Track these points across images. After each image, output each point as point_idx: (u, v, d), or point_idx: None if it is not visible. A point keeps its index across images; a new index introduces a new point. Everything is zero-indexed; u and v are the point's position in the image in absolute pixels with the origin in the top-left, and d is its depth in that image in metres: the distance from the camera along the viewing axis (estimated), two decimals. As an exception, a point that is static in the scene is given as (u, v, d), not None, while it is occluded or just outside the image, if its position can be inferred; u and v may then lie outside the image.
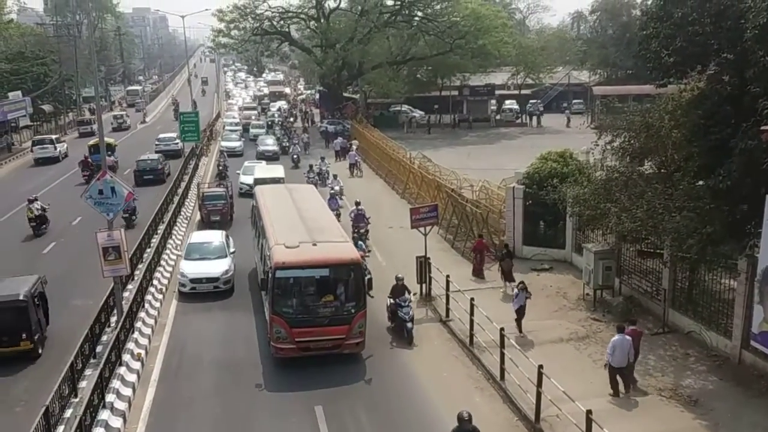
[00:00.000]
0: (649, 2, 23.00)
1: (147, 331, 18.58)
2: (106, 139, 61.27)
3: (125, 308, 17.78)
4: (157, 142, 49.55)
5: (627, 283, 20.16)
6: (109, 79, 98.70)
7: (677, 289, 18.17)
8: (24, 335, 16.89)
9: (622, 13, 68.88)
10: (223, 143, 52.20)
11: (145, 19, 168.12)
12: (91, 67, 56.42)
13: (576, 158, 24.12)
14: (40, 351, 17.35)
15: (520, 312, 18.15)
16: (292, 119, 65.71)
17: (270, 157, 44.97)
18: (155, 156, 41.90)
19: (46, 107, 64.85)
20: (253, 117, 67.36)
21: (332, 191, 30.66)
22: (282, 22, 64.57)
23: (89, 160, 40.00)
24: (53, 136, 52.48)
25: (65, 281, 22.94)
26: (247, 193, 31.65)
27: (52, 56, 65.65)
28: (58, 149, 48.84)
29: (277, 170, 34.47)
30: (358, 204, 26.98)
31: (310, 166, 37.40)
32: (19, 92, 56.39)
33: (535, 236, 24.38)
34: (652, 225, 17.06)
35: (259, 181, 29.82)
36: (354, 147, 44.31)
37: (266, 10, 62.72)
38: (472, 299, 17.51)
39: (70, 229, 29.38)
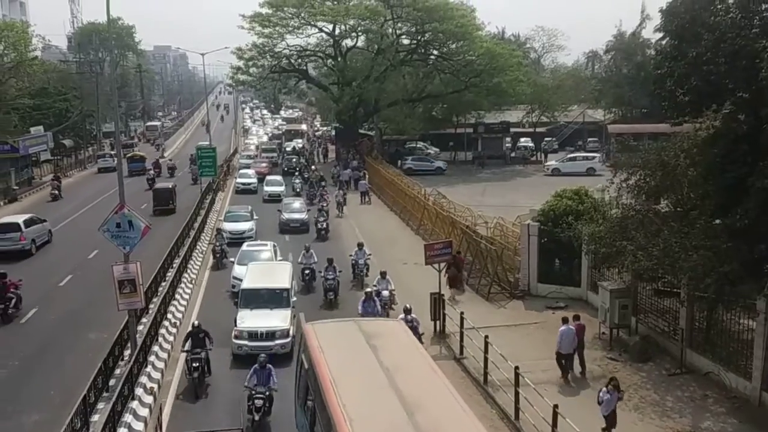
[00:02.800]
0: (664, 42, 23.24)
1: (160, 365, 18.55)
2: (136, 151, 64.91)
3: (139, 342, 17.81)
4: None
5: (644, 322, 19.93)
6: (129, 115, 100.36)
7: (695, 329, 17.95)
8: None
9: (637, 53, 69.27)
10: (238, 180, 50.72)
11: (165, 57, 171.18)
12: (112, 103, 57.49)
13: (591, 196, 24.10)
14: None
15: (611, 420, 14.62)
16: (314, 167, 57.24)
17: (297, 230, 35.03)
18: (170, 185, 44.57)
19: (67, 142, 65.86)
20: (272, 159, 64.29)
21: (369, 291, 20.63)
22: (300, 60, 65.59)
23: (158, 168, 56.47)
24: (113, 152, 59.66)
25: (81, 314, 23.11)
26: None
27: (74, 92, 66.88)
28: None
29: (280, 273, 22.06)
30: (408, 312, 18.74)
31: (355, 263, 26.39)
32: (41, 127, 57.34)
33: (550, 274, 24.22)
34: (668, 264, 16.93)
35: (248, 293, 20.44)
36: (365, 177, 48.42)
37: (284, 49, 63.76)
38: (486, 337, 17.37)
39: (86, 263, 29.60)
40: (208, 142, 53.26)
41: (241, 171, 53.71)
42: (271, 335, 19.22)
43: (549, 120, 70.02)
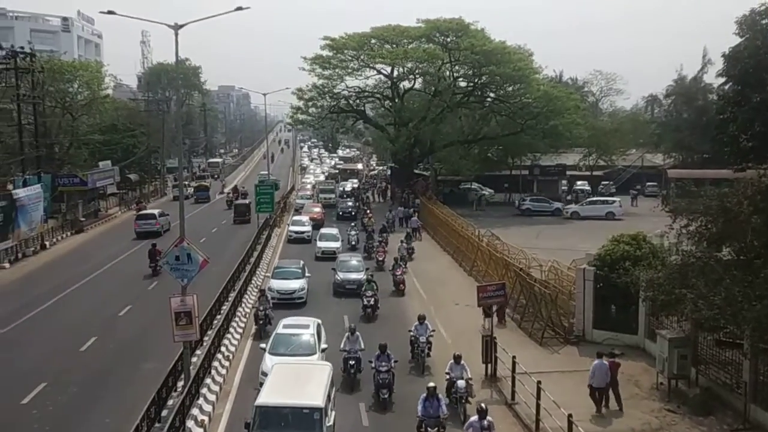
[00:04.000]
0: (727, 87, 22.86)
1: (212, 397, 18.77)
2: (202, 183, 71.52)
3: (192, 374, 18.11)
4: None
5: (704, 373, 19.21)
6: (193, 152, 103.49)
7: (759, 383, 17.19)
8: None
9: (698, 97, 68.17)
10: (291, 228, 46.47)
11: (229, 96, 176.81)
12: (177, 139, 59.85)
13: (649, 241, 23.59)
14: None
15: None
16: (370, 212, 50.66)
17: (353, 292, 29.65)
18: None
19: (133, 176, 68.25)
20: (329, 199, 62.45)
21: (432, 386, 16.55)
22: (358, 100, 66.86)
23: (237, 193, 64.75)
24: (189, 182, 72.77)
25: (138, 344, 23.69)
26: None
27: (142, 129, 69.56)
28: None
29: (314, 381, 16.23)
30: (458, 359, 18.50)
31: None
32: (109, 162, 59.65)
33: (606, 320, 23.66)
34: (731, 313, 16.35)
35: (266, 413, 14.71)
36: (416, 214, 50.69)
37: (343, 90, 65.18)
38: (539, 382, 17.02)
39: (146, 293, 30.41)
40: (266, 172, 60.01)
41: (294, 218, 49.69)
42: None
43: (606, 163, 69.20)
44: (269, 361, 19.29)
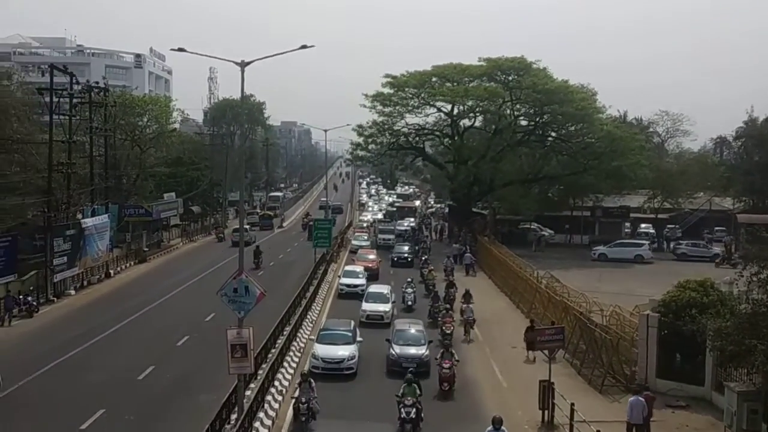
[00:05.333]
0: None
1: (264, 431, 18.73)
2: (266, 212, 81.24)
3: (245, 407, 18.14)
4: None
5: (777, 430, 18.17)
6: (254, 185, 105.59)
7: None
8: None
9: (770, 140, 65.91)
10: (343, 280, 39.89)
11: (291, 132, 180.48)
12: (239, 173, 61.41)
13: (718, 288, 22.69)
14: None
15: None
16: (430, 264, 43.55)
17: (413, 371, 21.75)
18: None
19: (195, 208, 70.02)
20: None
21: None
22: (417, 138, 67.15)
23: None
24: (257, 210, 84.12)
25: (194, 375, 23.95)
26: None
27: (206, 162, 71.50)
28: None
29: None
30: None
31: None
32: (173, 194, 61.39)
33: (671, 369, 22.72)
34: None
35: None
36: (469, 250, 50.46)
37: (403, 127, 65.55)
38: (598, 431, 16.38)
39: (203, 324, 30.85)
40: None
41: (347, 268, 42.86)
42: None
43: (672, 206, 67.25)
44: None
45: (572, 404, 18.54)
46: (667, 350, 22.82)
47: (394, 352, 24.56)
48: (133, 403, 21.25)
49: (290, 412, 20.15)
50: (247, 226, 66.76)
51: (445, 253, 50.66)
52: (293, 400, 19.56)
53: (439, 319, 29.74)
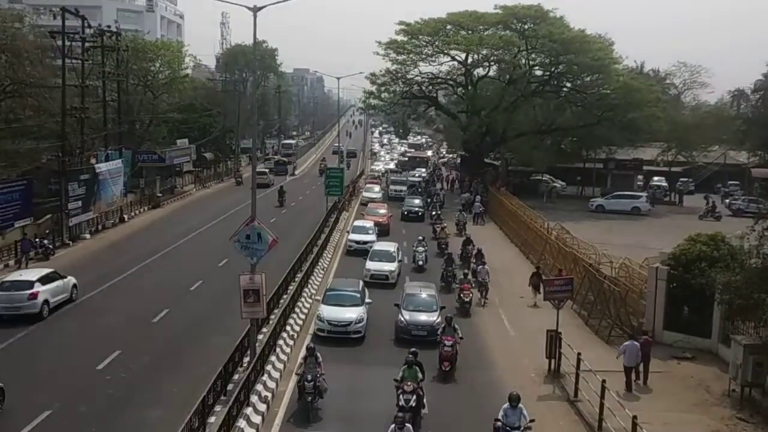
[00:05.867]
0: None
1: (276, 374, 19.19)
2: (278, 157, 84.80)
3: (258, 350, 18.56)
4: None
5: (781, 383, 18.41)
6: (266, 133, 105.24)
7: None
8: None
9: (790, 93, 64.78)
10: (351, 236, 37.49)
11: (303, 79, 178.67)
12: (251, 120, 61.07)
13: (728, 242, 22.66)
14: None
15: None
16: (443, 221, 41.52)
17: (423, 340, 21.72)
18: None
19: (208, 155, 70.02)
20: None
21: None
22: (431, 87, 66.45)
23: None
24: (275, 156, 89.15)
25: (208, 318, 24.43)
26: None
27: (218, 109, 71.16)
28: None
29: None
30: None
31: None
32: (186, 140, 61.33)
33: (678, 322, 22.89)
34: (813, 322, 15.62)
35: None
36: (479, 200, 50.85)
37: (416, 76, 64.77)
38: (603, 381, 16.65)
39: (216, 270, 31.27)
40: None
41: (356, 224, 40.11)
42: None
43: (686, 160, 66.58)
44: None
45: (579, 354, 18.80)
46: (675, 303, 22.95)
47: (403, 318, 22.86)
48: (149, 345, 21.78)
49: (302, 354, 18.69)
50: (266, 170, 70.92)
51: (456, 203, 50.69)
52: (297, 377, 17.59)
53: (456, 284, 28.05)
